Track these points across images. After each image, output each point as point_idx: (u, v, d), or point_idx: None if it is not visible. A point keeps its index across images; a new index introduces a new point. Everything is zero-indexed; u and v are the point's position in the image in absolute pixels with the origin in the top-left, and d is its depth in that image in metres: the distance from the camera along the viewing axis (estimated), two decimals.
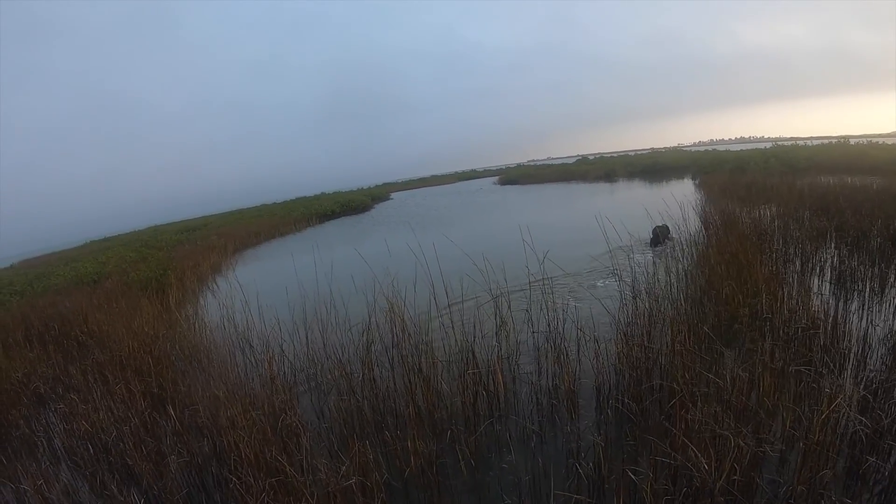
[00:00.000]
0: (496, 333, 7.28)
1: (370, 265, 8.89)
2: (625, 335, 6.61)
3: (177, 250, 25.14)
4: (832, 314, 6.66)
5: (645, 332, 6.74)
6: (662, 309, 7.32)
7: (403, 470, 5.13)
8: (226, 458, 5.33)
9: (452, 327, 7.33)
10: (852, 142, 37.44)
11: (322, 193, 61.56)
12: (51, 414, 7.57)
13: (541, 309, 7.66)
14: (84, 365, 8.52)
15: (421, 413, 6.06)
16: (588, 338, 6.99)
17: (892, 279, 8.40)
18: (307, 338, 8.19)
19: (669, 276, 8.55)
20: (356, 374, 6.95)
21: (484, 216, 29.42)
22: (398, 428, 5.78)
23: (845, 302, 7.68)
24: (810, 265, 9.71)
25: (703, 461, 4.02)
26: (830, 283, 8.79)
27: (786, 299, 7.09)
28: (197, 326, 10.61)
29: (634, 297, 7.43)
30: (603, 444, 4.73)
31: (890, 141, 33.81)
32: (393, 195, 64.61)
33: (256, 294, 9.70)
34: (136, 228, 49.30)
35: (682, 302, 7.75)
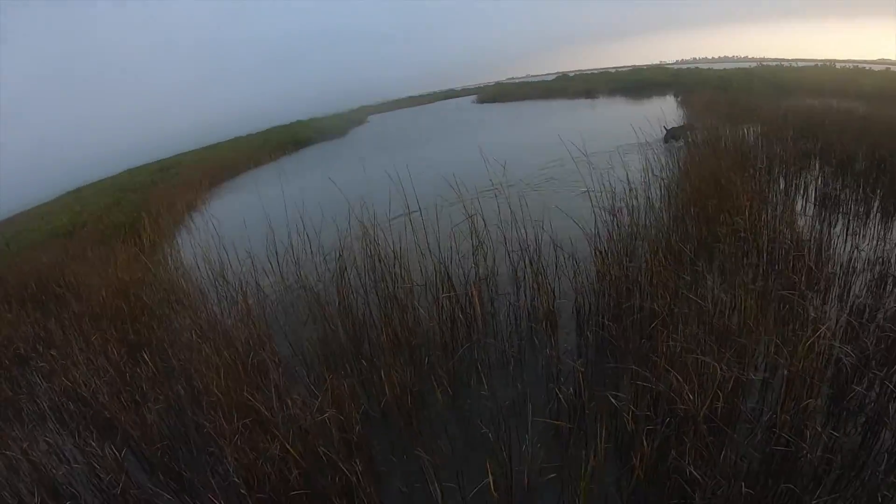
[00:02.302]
0: (473, 254, 7.09)
1: (344, 191, 8.61)
2: (601, 253, 6.46)
3: (152, 191, 24.35)
4: (816, 236, 6.55)
5: (624, 250, 6.61)
6: (641, 226, 7.19)
7: (381, 400, 5.03)
8: (201, 400, 5.20)
9: (429, 249, 7.12)
10: (838, 66, 37.06)
11: (298, 121, 59.55)
12: (32, 373, 7.28)
13: (519, 226, 7.44)
14: (62, 319, 8.27)
15: (400, 339, 5.90)
16: (566, 256, 6.79)
17: (876, 204, 8.27)
18: (281, 268, 7.99)
19: (649, 193, 8.37)
20: (331, 303, 6.76)
21: (461, 135, 28.70)
22: (375, 357, 5.67)
23: (829, 225, 7.54)
24: (794, 186, 9.56)
25: (686, 387, 3.91)
26: (815, 205, 8.66)
27: (768, 219, 6.96)
28: (172, 267, 10.36)
29: (614, 215, 7.25)
30: (583, 369, 4.63)
31: (876, 68, 33.39)
32: (370, 118, 62.69)
33: (231, 228, 9.46)
34: (111, 173, 47.31)
35: (663, 219, 7.61)
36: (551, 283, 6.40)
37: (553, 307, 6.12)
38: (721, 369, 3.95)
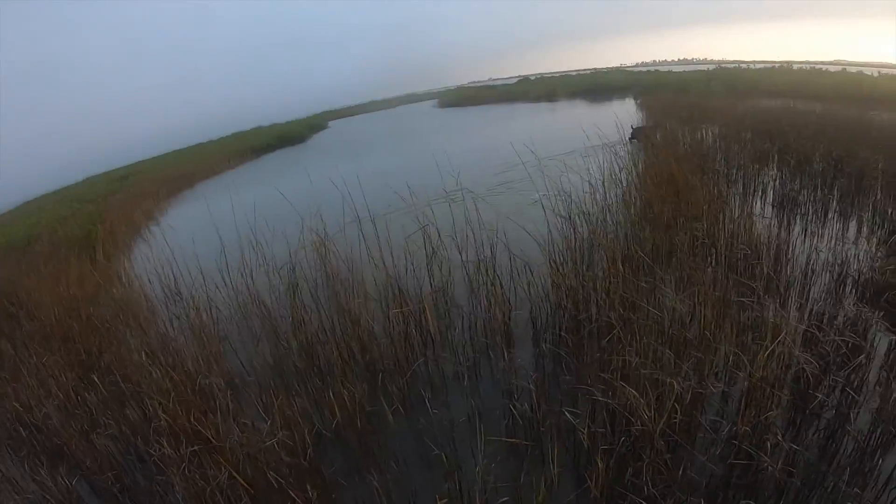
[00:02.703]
0: (427, 265, 6.91)
1: (299, 201, 8.45)
2: (554, 262, 6.34)
3: (109, 201, 23.74)
4: (775, 239, 6.52)
5: (580, 258, 6.50)
6: (597, 233, 7.08)
7: (333, 420, 4.83)
8: (152, 425, 4.87)
9: (382, 261, 6.94)
10: (795, 67, 37.77)
11: (258, 127, 58.61)
12: None
13: (474, 235, 7.29)
14: (14, 339, 7.91)
15: (353, 356, 5.73)
16: (522, 265, 6.66)
17: (833, 204, 8.28)
18: (233, 283, 7.74)
19: (606, 198, 8.29)
20: (284, 318, 6.59)
21: (419, 141, 28.31)
22: (328, 374, 5.48)
23: (788, 227, 7.51)
24: (752, 188, 9.56)
25: (643, 402, 3.77)
26: (773, 206, 8.64)
27: (727, 223, 6.90)
28: (126, 282, 10.00)
29: (570, 218, 7.13)
30: (537, 386, 4.49)
31: (832, 69, 34.10)
32: (331, 123, 61.81)
33: (186, 241, 9.19)
34: (71, 182, 45.83)
35: (620, 226, 7.54)
36: (507, 294, 6.25)
37: (508, 319, 5.97)
38: (678, 383, 3.81)
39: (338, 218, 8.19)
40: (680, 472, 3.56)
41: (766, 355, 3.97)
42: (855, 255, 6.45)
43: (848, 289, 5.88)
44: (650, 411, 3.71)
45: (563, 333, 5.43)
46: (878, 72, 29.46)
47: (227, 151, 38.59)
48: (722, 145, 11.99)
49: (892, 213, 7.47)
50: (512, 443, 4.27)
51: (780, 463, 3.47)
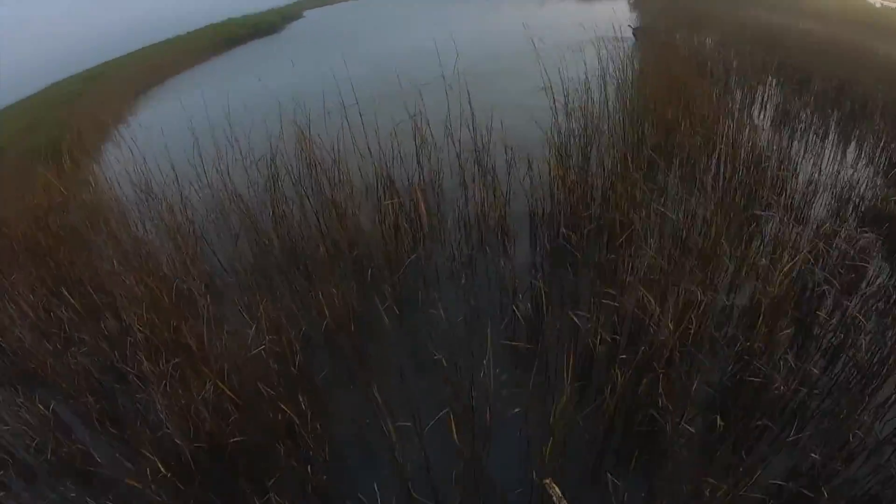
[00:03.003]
0: (416, 154, 6.58)
1: (277, 92, 7.89)
2: (557, 153, 6.03)
3: (76, 104, 22.24)
4: (776, 150, 6.37)
5: (580, 151, 6.27)
6: (599, 127, 6.82)
7: (322, 322, 4.48)
8: (130, 339, 4.46)
9: (369, 150, 6.52)
10: None
11: (230, 19, 55.19)
12: None
13: (467, 124, 6.97)
14: None
15: (340, 251, 5.42)
16: (518, 157, 6.34)
17: (833, 124, 8.10)
18: (209, 178, 7.32)
19: (604, 93, 7.93)
20: (265, 213, 6.25)
21: (402, 29, 26.88)
22: (314, 272, 5.15)
23: (790, 141, 7.27)
24: (752, 98, 9.28)
25: (657, 308, 3.60)
26: (773, 120, 8.41)
27: (729, 130, 6.63)
28: (94, 186, 9.25)
29: (568, 113, 6.84)
30: (543, 283, 4.28)
31: None
32: (306, 13, 58.97)
33: (159, 139, 8.53)
34: (36, 90, 42.45)
35: (620, 123, 7.22)
36: (502, 187, 5.94)
37: (505, 213, 5.68)
38: (701, 293, 3.66)
39: (319, 106, 7.67)
40: (693, 386, 3.45)
41: (781, 273, 3.84)
42: (856, 179, 6.27)
43: (849, 212, 5.74)
44: (666, 318, 3.55)
45: (563, 230, 5.16)
46: (881, 3, 28.74)
47: (198, 45, 36.51)
48: (721, 52, 11.61)
49: (892, 142, 7.26)
50: (515, 346, 4.07)
51: (793, 383, 3.38)
